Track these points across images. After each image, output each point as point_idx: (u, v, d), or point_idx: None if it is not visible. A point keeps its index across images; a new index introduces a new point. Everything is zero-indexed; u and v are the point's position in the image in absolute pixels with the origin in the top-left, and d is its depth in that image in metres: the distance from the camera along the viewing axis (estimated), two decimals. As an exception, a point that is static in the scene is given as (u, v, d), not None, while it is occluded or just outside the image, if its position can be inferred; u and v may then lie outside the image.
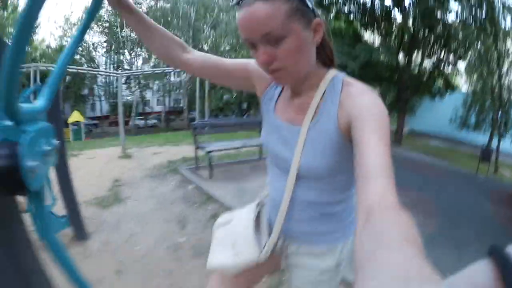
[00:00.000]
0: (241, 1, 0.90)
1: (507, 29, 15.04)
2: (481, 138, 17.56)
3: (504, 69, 15.56)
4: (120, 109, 9.39)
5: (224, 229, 1.37)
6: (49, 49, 34.15)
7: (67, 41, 34.13)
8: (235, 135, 10.24)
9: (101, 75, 32.00)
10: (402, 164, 9.75)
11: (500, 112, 15.34)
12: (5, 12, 25.45)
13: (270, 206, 1.31)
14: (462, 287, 0.21)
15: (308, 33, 0.95)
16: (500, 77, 14.89)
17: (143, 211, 4.82)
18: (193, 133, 6.77)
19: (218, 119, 8.56)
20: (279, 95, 1.22)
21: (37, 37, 33.50)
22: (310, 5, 0.94)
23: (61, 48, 32.73)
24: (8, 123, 0.73)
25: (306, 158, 1.06)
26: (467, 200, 6.90)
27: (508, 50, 15.76)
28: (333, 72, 1.08)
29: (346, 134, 0.99)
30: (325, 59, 1.10)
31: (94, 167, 7.47)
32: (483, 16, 14.31)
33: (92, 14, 1.19)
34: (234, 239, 1.29)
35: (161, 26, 1.26)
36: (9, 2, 25.32)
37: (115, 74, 10.74)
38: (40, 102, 0.85)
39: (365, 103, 0.92)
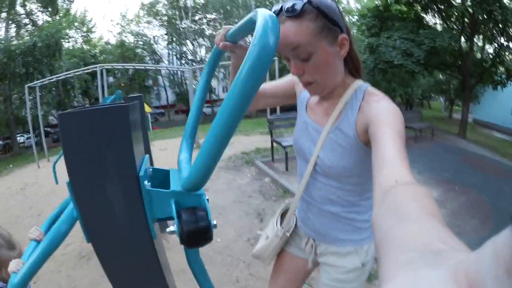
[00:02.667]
0: None
1: None
2: None
3: None
4: (191, 102, 9.70)
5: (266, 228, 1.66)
6: (109, 45, 35.26)
7: (126, 37, 35.16)
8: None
9: (170, 70, 32.54)
10: (465, 160, 9.57)
11: None
12: (57, 17, 26.45)
13: (298, 197, 1.44)
14: (488, 257, 0.21)
15: (334, 48, 1.05)
16: None
17: (223, 204, 4.98)
18: (269, 128, 6.96)
19: (290, 113, 8.77)
20: (310, 96, 1.34)
21: (95, 35, 34.71)
22: (337, 21, 1.03)
23: (121, 44, 33.77)
24: (180, 189, 0.86)
25: (325, 158, 1.20)
26: None
27: None
28: (358, 83, 1.17)
29: (363, 138, 1.10)
30: (352, 70, 1.20)
31: (168, 158, 7.64)
32: None
33: (214, 63, 1.29)
34: (266, 230, 1.62)
35: None
36: (59, 6, 26.33)
37: (184, 69, 11.14)
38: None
39: (381, 107, 1.02)
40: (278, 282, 1.68)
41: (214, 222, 0.91)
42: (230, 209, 4.86)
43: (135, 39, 35.31)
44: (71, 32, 30.50)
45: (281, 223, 1.55)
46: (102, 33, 36.45)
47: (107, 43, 35.96)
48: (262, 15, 0.62)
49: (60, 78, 10.79)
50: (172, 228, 0.89)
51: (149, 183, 0.90)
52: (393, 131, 0.86)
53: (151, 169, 1.08)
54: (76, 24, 30.94)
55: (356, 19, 26.82)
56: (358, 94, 1.14)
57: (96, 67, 9.15)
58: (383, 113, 0.97)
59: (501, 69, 17.16)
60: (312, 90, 1.14)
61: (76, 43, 31.76)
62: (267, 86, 1.48)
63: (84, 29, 32.38)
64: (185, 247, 0.98)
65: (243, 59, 1.15)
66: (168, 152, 8.50)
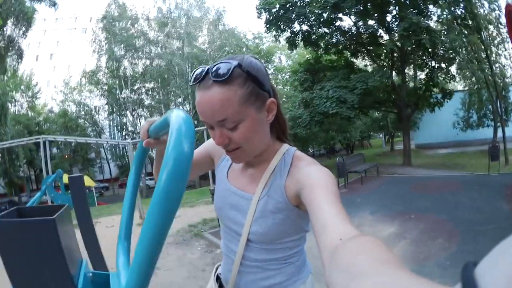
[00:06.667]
0: (199, 83, 0.95)
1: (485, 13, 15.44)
2: (486, 132, 17.69)
3: (493, 56, 15.78)
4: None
5: None
6: (52, 114, 35.04)
7: (69, 105, 35.10)
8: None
9: (111, 144, 32.49)
10: (414, 187, 9.94)
11: (498, 101, 15.44)
12: (5, 77, 25.96)
13: (226, 265, 1.35)
14: None
15: (262, 113, 1.01)
16: (491, 66, 15.11)
17: (176, 281, 4.79)
18: (212, 199, 6.90)
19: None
20: (231, 163, 1.28)
21: (39, 102, 34.57)
22: (266, 85, 1.01)
23: (64, 113, 33.61)
24: None
25: (257, 226, 1.12)
26: (483, 207, 7.04)
27: (491, 34, 16.12)
28: (285, 147, 1.15)
29: (294, 202, 1.05)
30: (279, 133, 1.17)
31: (115, 237, 7.39)
32: (463, 11, 14.78)
33: (142, 159, 1.24)
34: None
35: None
36: (7, 66, 25.66)
37: (124, 143, 10.97)
38: None
39: (311, 172, 0.99)
40: None
41: None
42: (184, 287, 4.67)
43: (77, 108, 35.19)
44: (17, 96, 30.46)
45: None
46: (46, 100, 36.21)
47: (50, 111, 35.73)
48: (176, 119, 0.61)
49: (5, 146, 10.35)
50: None
51: None
52: (327, 192, 0.85)
53: (91, 273, 1.07)
54: (22, 87, 30.80)
55: (289, 76, 27.62)
56: (287, 158, 1.11)
57: (39, 138, 8.84)
58: (314, 177, 0.95)
59: (435, 90, 18.12)
60: (237, 157, 1.08)
61: (22, 108, 31.63)
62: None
63: (30, 93, 32.21)
64: None
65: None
66: (115, 229, 8.02)
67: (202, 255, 5.80)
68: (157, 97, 33.01)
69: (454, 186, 9.64)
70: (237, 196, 1.20)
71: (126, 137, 34.36)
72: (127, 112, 33.79)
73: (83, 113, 35.36)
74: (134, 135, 33.07)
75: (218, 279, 1.45)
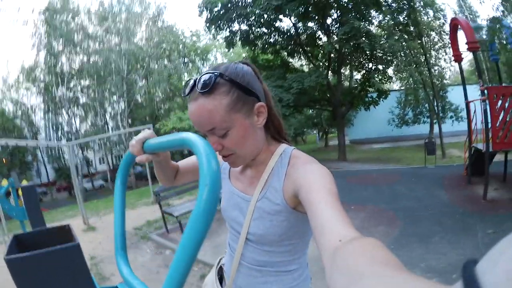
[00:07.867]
0: (189, 95, 0.99)
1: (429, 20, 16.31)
2: (422, 128, 18.80)
3: (432, 60, 16.72)
4: (76, 182, 9.22)
5: None
6: None
7: (6, 105, 33.13)
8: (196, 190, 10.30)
9: (50, 147, 31.22)
10: (351, 180, 10.38)
11: (436, 100, 16.33)
12: None
13: (228, 261, 1.35)
14: None
15: (251, 118, 1.02)
16: (429, 69, 15.94)
17: None
18: (156, 200, 7.06)
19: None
20: None
21: None
22: (252, 90, 1.01)
23: (1, 113, 31.76)
24: None
25: (255, 227, 1.13)
26: (422, 196, 7.55)
27: (433, 39, 17.00)
28: (283, 147, 1.14)
29: (292, 204, 1.04)
30: (274, 134, 1.17)
31: None
32: (406, 19, 15.54)
33: (127, 171, 1.24)
34: None
35: (173, 162, 1.35)
36: None
37: (63, 145, 10.63)
38: None
39: (307, 170, 0.98)
40: None
41: None
42: (142, 291, 4.68)
43: (14, 107, 33.46)
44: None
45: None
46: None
47: (-13, 110, 33.41)
48: (200, 144, 0.68)
49: None
50: None
51: None
52: (325, 191, 0.84)
53: None
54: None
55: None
56: (284, 159, 1.11)
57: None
58: (312, 176, 0.95)
59: (371, 90, 18.72)
60: (233, 162, 1.10)
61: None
62: (184, 162, 1.42)
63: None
64: None
65: (164, 160, 1.22)
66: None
67: (153, 257, 5.84)
68: (92, 95, 31.80)
69: (391, 178, 10.09)
70: (239, 197, 1.22)
71: (62, 137, 33.13)
72: (63, 110, 32.27)
73: (20, 112, 33.52)
74: (70, 135, 31.93)
75: (220, 270, 1.49)
